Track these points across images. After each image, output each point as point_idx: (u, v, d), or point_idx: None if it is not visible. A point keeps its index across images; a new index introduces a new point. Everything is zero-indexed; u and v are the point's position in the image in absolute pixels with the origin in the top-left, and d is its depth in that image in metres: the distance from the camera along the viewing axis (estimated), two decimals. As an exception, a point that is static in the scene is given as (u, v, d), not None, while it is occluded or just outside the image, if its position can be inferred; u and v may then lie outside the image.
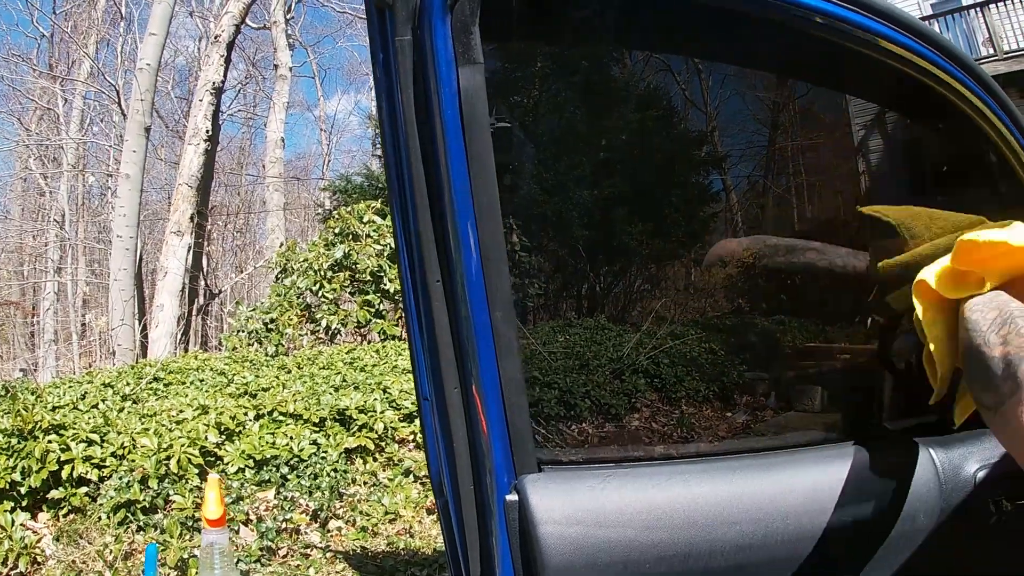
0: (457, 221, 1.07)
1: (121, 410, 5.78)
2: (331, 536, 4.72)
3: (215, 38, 14.40)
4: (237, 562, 4.13)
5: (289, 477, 4.85)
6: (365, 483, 5.17)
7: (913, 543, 1.19)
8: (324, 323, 10.10)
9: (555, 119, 2.13)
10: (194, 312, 15.68)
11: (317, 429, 5.31)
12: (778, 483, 1.20)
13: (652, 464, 1.28)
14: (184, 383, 7.02)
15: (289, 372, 7.37)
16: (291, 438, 5.03)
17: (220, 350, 12.05)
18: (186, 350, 13.25)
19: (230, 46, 14.41)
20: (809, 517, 1.16)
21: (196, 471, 4.57)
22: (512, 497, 1.08)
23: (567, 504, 1.07)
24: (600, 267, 2.07)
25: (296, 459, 4.94)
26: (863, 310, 1.77)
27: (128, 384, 7.08)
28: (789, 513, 1.16)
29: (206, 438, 4.80)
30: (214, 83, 14.06)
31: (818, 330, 2.04)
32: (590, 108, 2.15)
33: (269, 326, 9.73)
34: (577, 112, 2.16)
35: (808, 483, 1.20)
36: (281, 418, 5.33)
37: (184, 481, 4.50)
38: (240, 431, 5.04)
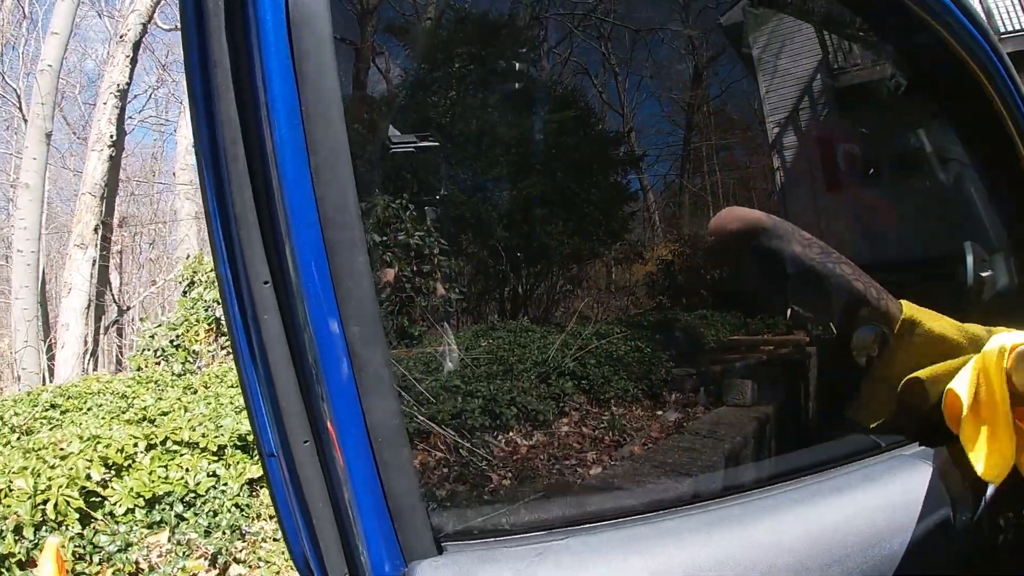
0: (287, 197, 0.73)
1: (7, 444, 5.20)
2: (232, 585, 4.27)
3: (120, 37, 13.62)
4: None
5: (185, 516, 4.35)
6: (271, 517, 4.59)
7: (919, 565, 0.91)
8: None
9: (461, 112, 2.03)
10: (102, 330, 14.78)
11: (216, 458, 4.74)
12: (779, 530, 0.85)
13: (609, 525, 0.86)
14: (82, 409, 6.42)
15: (195, 392, 6.81)
16: (186, 470, 4.51)
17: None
18: (95, 371, 12.47)
19: (136, 46, 13.65)
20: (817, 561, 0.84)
21: (78, 516, 4.01)
22: None
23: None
24: (514, 271, 1.98)
25: (192, 495, 4.43)
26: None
27: (16, 415, 6.30)
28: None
29: (88, 476, 4.19)
30: (119, 85, 13.26)
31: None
32: (503, 104, 2.06)
33: (175, 343, 9.19)
34: (487, 107, 2.07)
35: (813, 522, 0.87)
36: (175, 447, 4.74)
37: (65, 528, 3.95)
38: (130, 465, 4.46)
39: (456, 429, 1.42)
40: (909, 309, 0.90)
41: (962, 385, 0.85)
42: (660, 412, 1.65)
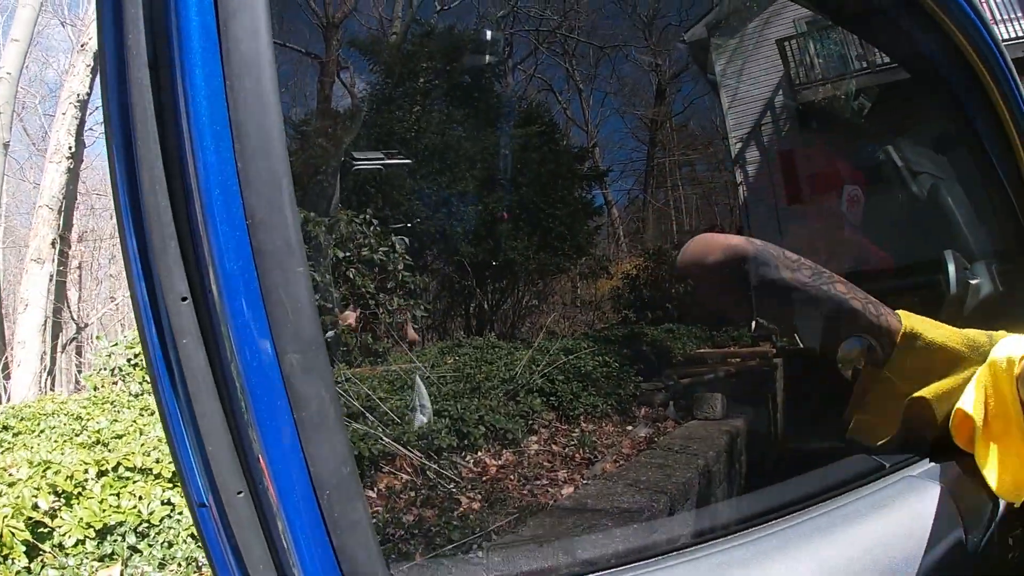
0: (205, 192, 0.57)
1: (-48, 469, 4.82)
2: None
3: (81, 46, 13.19)
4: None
5: (139, 547, 3.98)
6: None
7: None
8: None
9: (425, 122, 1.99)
10: (59, 348, 14.29)
11: (171, 485, 4.36)
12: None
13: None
14: (34, 431, 6.09)
15: (152, 414, 6.48)
16: (139, 498, 4.14)
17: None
18: (53, 390, 12.00)
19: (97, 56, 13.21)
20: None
21: (24, 548, 3.65)
22: None
23: None
24: (482, 288, 1.95)
25: (146, 524, 4.07)
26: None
27: (-34, 437, 5.90)
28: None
29: (35, 505, 3.84)
30: (79, 95, 12.80)
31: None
32: (470, 118, 2.03)
33: (133, 361, 8.82)
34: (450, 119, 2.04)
35: (829, 559, 0.75)
36: (128, 474, 4.38)
37: (10, 562, 3.59)
38: (80, 493, 4.11)
39: (423, 451, 1.36)
40: (908, 320, 0.85)
41: (971, 402, 0.81)
42: (630, 427, 1.62)
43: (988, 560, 0.83)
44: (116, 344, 8.92)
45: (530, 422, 1.49)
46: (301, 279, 0.58)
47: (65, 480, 4.06)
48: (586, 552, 0.70)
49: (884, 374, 0.87)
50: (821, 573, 0.69)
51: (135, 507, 4.04)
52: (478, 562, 0.78)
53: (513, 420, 1.46)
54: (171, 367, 0.61)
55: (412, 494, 1.40)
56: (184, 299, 0.59)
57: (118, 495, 4.12)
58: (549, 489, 1.39)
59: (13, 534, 3.61)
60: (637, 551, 0.69)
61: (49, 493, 3.92)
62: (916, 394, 0.84)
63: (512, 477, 1.40)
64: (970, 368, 0.85)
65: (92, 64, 12.69)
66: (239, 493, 0.60)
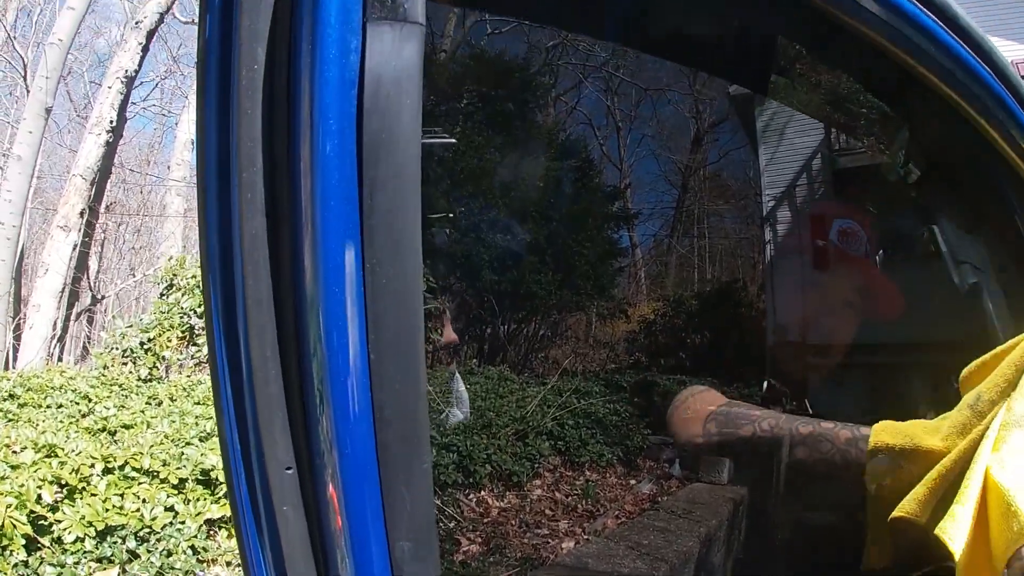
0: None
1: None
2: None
3: (136, 23, 13.22)
4: None
5: (138, 552, 3.81)
6: (229, 563, 3.98)
7: None
8: (206, 349, 9.05)
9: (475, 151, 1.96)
10: (72, 317, 14.34)
11: (176, 491, 4.16)
12: None
13: None
14: (41, 405, 5.90)
15: (160, 404, 6.25)
16: (144, 501, 3.94)
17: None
18: (61, 358, 11.96)
19: (151, 34, 13.20)
20: None
21: (23, 542, 3.50)
22: None
23: None
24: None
25: (147, 529, 3.83)
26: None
27: (-27, 401, 5.64)
28: None
29: (39, 498, 3.67)
30: (127, 71, 12.79)
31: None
32: (515, 148, 1.99)
33: (146, 346, 8.70)
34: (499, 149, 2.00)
35: None
36: (134, 474, 4.17)
37: (8, 554, 3.42)
38: (83, 488, 3.92)
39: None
40: (878, 436, 0.77)
41: (954, 526, 0.69)
42: (635, 482, 1.57)
43: None
44: (131, 326, 8.81)
45: (536, 465, 1.44)
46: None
47: (70, 473, 3.91)
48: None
49: (870, 495, 0.79)
50: None
51: (138, 510, 3.85)
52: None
53: (520, 462, 1.40)
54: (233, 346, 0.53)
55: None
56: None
57: (122, 495, 3.94)
58: (549, 540, 1.33)
59: (15, 526, 3.46)
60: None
61: (52, 483, 3.77)
62: (895, 514, 0.74)
63: (514, 521, 1.34)
64: (952, 461, 0.74)
65: (144, 42, 12.70)
66: (288, 470, 0.53)
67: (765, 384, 2.09)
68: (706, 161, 2.45)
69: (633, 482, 1.57)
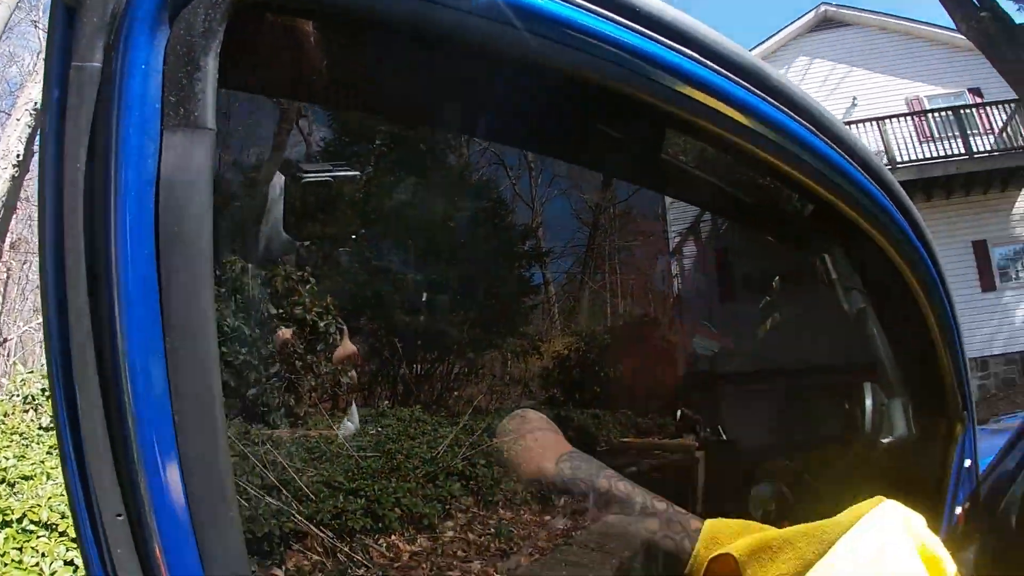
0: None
1: None
2: None
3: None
4: None
5: None
6: None
7: None
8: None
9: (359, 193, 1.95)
10: (-29, 360, 13.36)
11: (76, 544, 4.03)
12: None
13: None
14: None
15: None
16: (43, 555, 3.78)
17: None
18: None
19: None
20: None
21: None
22: None
23: None
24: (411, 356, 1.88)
25: None
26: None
27: None
28: None
29: None
30: (36, 103, 12.20)
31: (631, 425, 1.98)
32: (399, 185, 1.99)
33: (47, 393, 8.25)
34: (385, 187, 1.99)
35: None
36: (33, 527, 3.98)
37: None
38: None
39: (335, 531, 1.27)
40: (708, 536, 0.71)
41: None
42: (549, 518, 1.56)
43: None
44: (32, 372, 8.35)
45: (448, 506, 1.42)
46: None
47: (-34, 530, 3.67)
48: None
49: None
50: None
51: (37, 564, 3.67)
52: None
53: (431, 504, 1.39)
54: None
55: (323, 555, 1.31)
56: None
57: (20, 549, 3.74)
58: (461, 584, 1.32)
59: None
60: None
61: (-55, 541, 3.52)
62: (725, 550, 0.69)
63: (425, 565, 1.32)
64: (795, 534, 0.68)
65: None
66: (118, 516, 0.55)
67: (678, 413, 2.15)
68: (616, 198, 2.51)
69: (548, 518, 1.56)
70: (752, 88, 0.67)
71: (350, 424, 1.61)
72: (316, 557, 1.30)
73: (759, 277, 1.93)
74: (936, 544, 0.61)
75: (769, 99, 0.67)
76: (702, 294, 2.16)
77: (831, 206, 0.77)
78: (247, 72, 0.59)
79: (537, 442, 0.75)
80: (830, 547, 0.60)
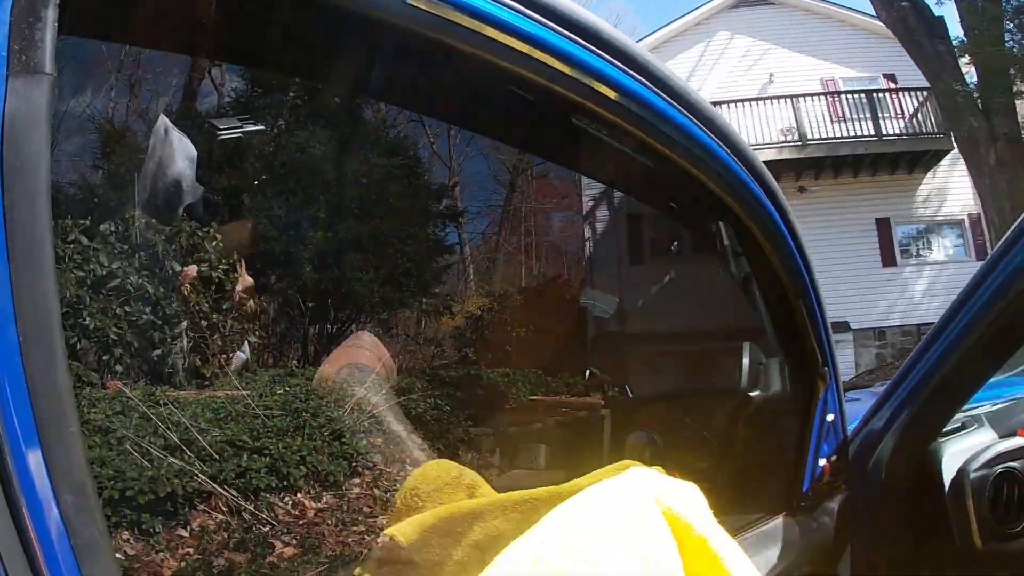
0: None
1: None
2: None
3: None
4: None
5: None
6: None
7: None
8: None
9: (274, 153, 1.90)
10: None
11: None
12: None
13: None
14: None
15: None
16: None
17: None
18: None
19: None
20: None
21: None
22: None
23: None
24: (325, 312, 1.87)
25: None
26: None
27: None
28: None
29: None
30: None
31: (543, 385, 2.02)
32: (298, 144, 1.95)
33: None
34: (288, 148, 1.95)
35: None
36: None
37: None
38: None
39: (239, 490, 1.26)
40: (408, 487, 0.60)
41: None
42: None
43: None
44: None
45: (354, 464, 1.43)
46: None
47: None
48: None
49: None
50: None
51: None
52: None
53: (337, 462, 1.39)
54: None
55: (225, 535, 1.30)
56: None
57: None
58: (366, 536, 1.33)
59: None
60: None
61: None
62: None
63: (331, 521, 1.33)
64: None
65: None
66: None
67: (587, 372, 2.21)
68: (533, 161, 2.53)
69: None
70: (626, 69, 0.67)
71: (242, 355, 1.60)
72: (221, 516, 1.29)
73: (663, 244, 2.00)
74: (692, 514, 0.47)
75: (634, 74, 0.67)
76: (613, 258, 2.22)
77: (703, 185, 0.79)
78: (96, 19, 0.58)
79: (345, 350, 0.74)
80: (537, 517, 0.45)
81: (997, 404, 1.19)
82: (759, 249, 0.83)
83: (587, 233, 2.33)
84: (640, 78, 0.63)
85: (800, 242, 0.83)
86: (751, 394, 0.96)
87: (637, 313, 2.27)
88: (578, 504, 0.41)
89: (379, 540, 0.52)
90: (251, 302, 1.63)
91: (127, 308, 1.58)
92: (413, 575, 0.53)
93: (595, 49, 0.59)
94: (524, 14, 0.59)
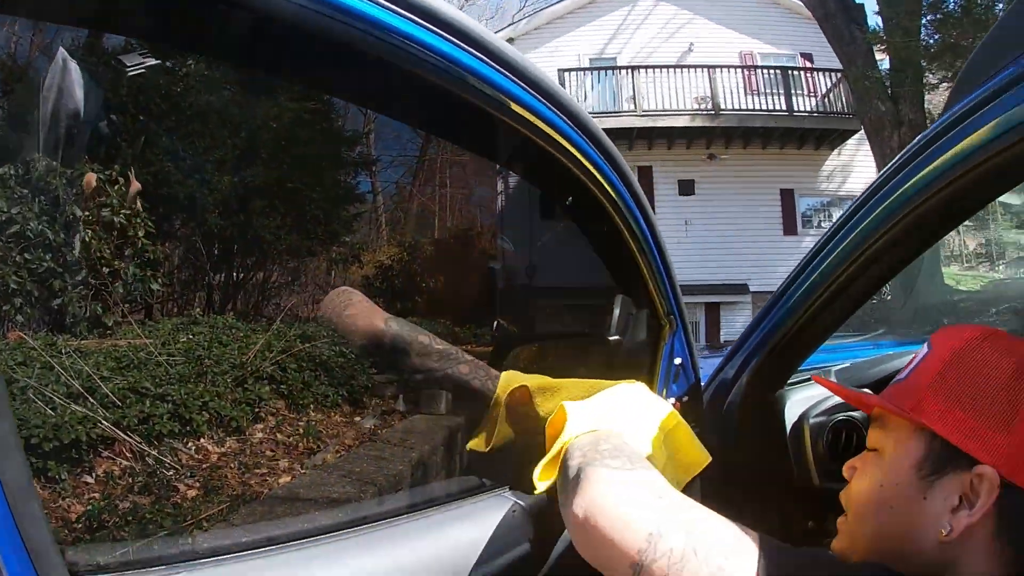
0: None
1: None
2: None
3: None
4: None
5: None
6: None
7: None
8: None
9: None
10: None
11: None
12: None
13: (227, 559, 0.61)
14: None
15: None
16: None
17: None
18: None
19: None
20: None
21: None
22: None
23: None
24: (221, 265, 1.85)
25: None
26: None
27: None
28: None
29: None
30: None
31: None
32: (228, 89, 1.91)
33: None
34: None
35: (406, 558, 0.74)
36: None
37: None
38: None
39: (143, 436, 1.26)
40: (505, 381, 0.86)
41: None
42: (359, 419, 1.63)
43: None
44: None
45: (257, 410, 1.44)
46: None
47: None
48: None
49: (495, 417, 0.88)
50: (397, 569, 0.73)
51: None
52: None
53: (240, 407, 1.40)
54: None
55: (129, 480, 1.30)
56: None
57: None
58: (268, 478, 1.35)
59: None
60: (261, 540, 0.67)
61: None
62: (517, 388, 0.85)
63: (233, 464, 1.35)
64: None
65: None
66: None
67: (495, 323, 2.26)
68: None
69: (357, 420, 1.63)
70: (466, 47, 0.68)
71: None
72: (125, 462, 1.28)
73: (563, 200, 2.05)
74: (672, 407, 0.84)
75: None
76: (525, 213, 2.26)
77: (552, 158, 0.84)
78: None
79: (364, 307, 0.79)
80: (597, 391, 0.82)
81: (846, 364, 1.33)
82: (606, 212, 0.89)
83: (500, 187, 2.36)
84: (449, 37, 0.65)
85: (642, 204, 0.90)
86: (617, 339, 1.06)
87: (541, 268, 2.34)
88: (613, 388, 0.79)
89: (515, 390, 0.79)
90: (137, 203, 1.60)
91: (27, 255, 1.54)
92: (532, 412, 0.81)
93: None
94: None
